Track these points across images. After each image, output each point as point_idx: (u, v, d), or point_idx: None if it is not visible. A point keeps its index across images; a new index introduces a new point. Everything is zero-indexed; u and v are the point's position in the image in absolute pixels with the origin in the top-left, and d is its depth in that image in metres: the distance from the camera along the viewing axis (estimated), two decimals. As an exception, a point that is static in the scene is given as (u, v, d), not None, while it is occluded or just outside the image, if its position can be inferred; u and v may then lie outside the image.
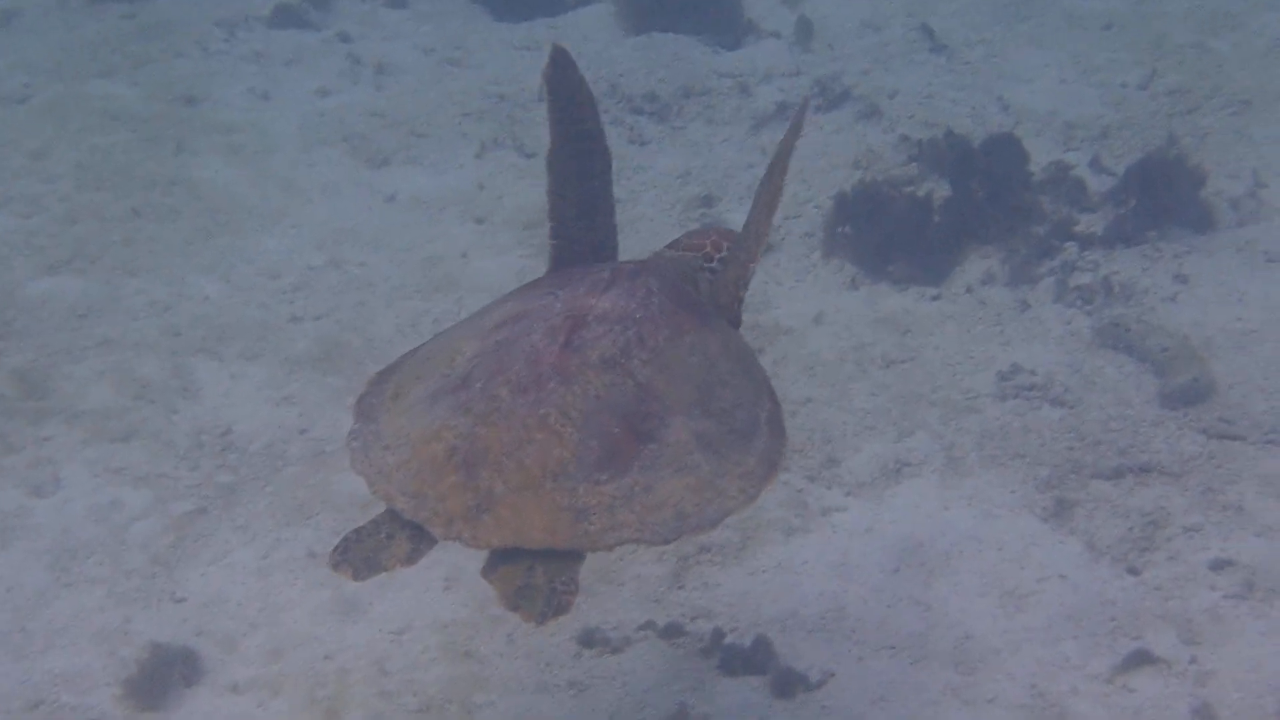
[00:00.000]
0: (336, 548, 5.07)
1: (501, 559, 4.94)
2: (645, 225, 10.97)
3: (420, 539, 5.03)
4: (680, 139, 12.33)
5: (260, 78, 13.45)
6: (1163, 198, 10.56)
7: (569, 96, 5.94)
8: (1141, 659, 6.98)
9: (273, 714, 6.94)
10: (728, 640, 7.19)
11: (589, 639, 7.26)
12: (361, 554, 5.04)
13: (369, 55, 13.79)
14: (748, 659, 7.08)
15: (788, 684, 6.96)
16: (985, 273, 10.18)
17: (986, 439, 8.60)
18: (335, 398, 9.03)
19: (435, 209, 11.35)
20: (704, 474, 5.07)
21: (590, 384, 5.07)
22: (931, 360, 9.36)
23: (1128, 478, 8.22)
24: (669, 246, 6.10)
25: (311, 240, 10.90)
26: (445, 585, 7.62)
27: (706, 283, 5.91)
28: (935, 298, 10.07)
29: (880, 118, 12.43)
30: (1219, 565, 7.54)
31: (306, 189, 11.61)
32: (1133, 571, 7.57)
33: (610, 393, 5.08)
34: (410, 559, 5.03)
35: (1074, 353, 9.34)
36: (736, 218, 10.43)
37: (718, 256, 5.95)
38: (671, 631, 7.28)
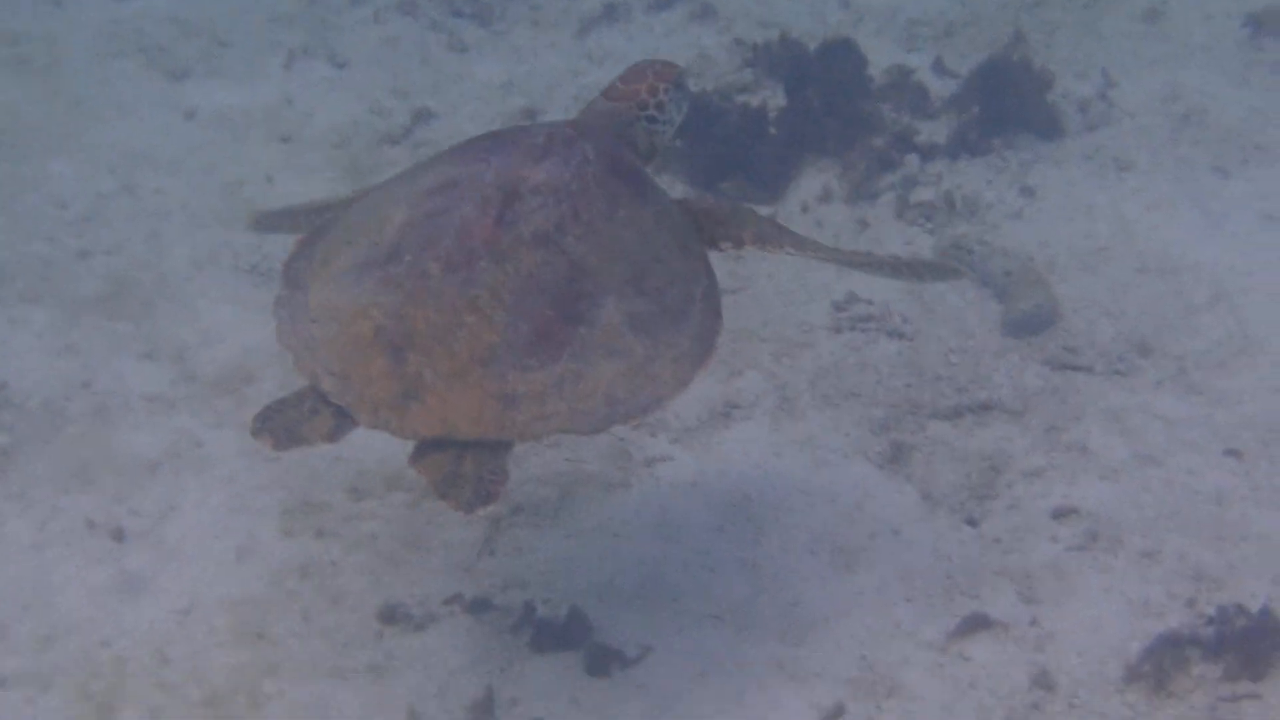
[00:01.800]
0: (257, 415, 5.10)
1: (430, 446, 5.01)
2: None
3: (344, 416, 5.07)
4: (503, 44, 11.77)
5: (52, -20, 12.71)
6: (1007, 103, 10.20)
7: None
8: (978, 623, 6.64)
9: (42, 711, 6.44)
10: (540, 614, 6.76)
11: (391, 615, 6.80)
12: (284, 423, 5.07)
13: (171, -48, 13.08)
14: (561, 634, 6.67)
15: (602, 660, 6.57)
16: (823, 189, 9.76)
17: (820, 377, 8.23)
18: (122, 345, 8.46)
19: (239, 126, 10.73)
20: (636, 358, 5.12)
21: (522, 262, 5.10)
22: (765, 290, 8.94)
23: (967, 417, 7.89)
24: (604, 94, 6.07)
25: (104, 163, 10.24)
26: (237, 556, 7.15)
27: (644, 133, 5.97)
28: (771, 217, 9.63)
29: (714, 18, 11.97)
30: (1061, 513, 7.24)
31: (99, 106, 10.93)
32: (970, 523, 7.25)
33: (542, 271, 5.11)
34: (333, 436, 5.07)
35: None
36: (561, 131, 9.91)
37: (653, 102, 5.97)
38: (480, 606, 6.85)
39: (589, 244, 5.21)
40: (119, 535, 7.29)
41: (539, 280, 5.09)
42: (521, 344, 5.00)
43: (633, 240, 5.31)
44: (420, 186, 5.45)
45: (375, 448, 7.27)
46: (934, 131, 10.24)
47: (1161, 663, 6.34)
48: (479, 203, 5.22)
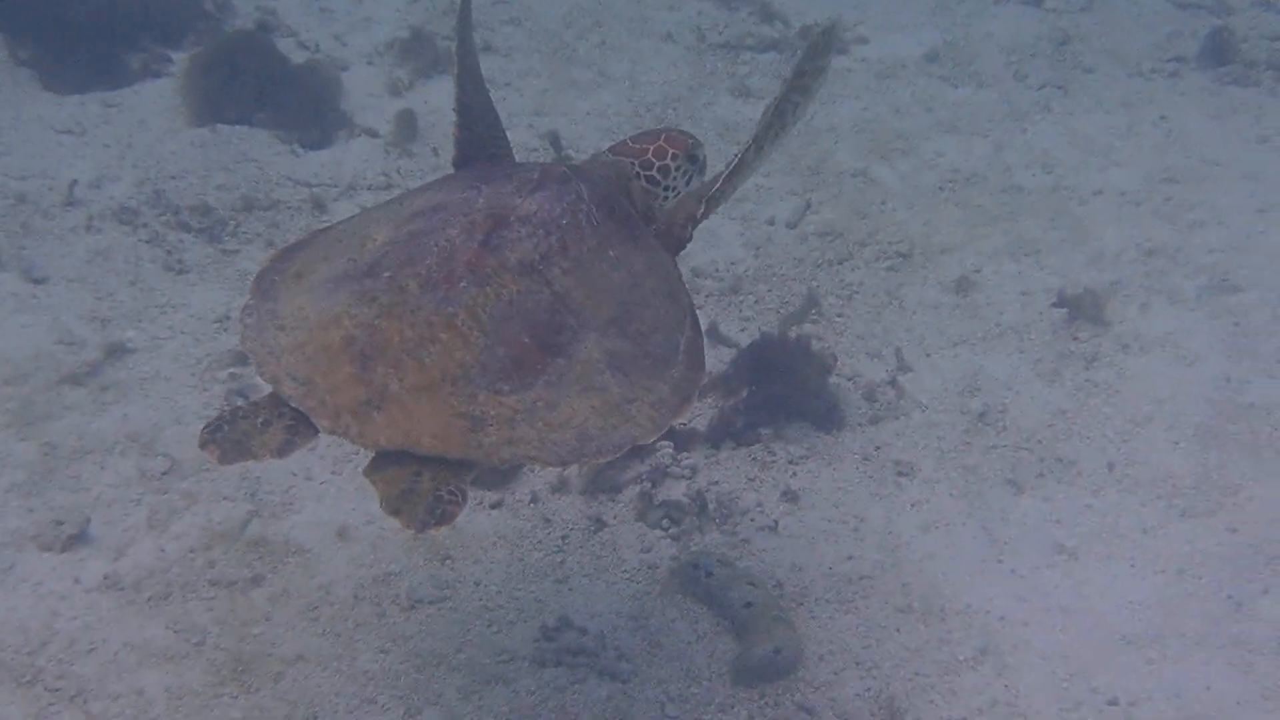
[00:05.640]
0: (208, 425, 5.08)
1: (389, 460, 5.01)
2: (159, 386, 9.53)
3: (298, 432, 5.07)
4: (229, 268, 10.78)
5: None
6: (781, 387, 9.50)
7: None
8: None
9: None
10: None
11: None
12: (233, 436, 5.02)
13: None
14: None
15: None
16: (558, 476, 8.98)
17: (511, 723, 7.42)
18: None
19: (-109, 353, 9.71)
20: (613, 396, 5.17)
21: (504, 287, 5.23)
22: (468, 603, 8.12)
23: (672, 792, 7.12)
24: (610, 149, 6.29)
25: None
26: None
27: (641, 191, 6.11)
28: (495, 505, 8.80)
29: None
30: None
31: None
32: None
33: (524, 299, 5.22)
34: (283, 451, 5.02)
35: (643, 598, 8.18)
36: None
37: (658, 164, 6.16)
38: None
39: (574, 279, 5.35)
40: None
41: (519, 307, 5.20)
42: (495, 367, 5.06)
43: (620, 282, 5.45)
44: (406, 210, 5.59)
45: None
46: (697, 412, 9.54)
47: None
48: (465, 226, 5.36)
